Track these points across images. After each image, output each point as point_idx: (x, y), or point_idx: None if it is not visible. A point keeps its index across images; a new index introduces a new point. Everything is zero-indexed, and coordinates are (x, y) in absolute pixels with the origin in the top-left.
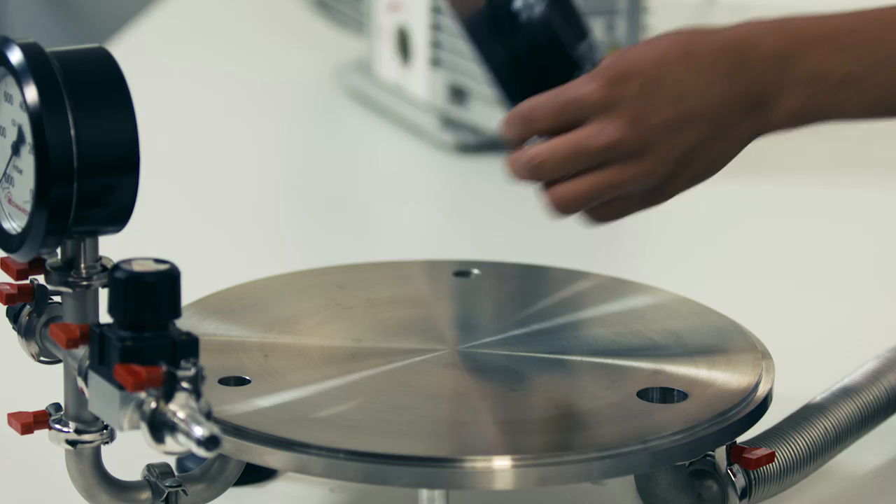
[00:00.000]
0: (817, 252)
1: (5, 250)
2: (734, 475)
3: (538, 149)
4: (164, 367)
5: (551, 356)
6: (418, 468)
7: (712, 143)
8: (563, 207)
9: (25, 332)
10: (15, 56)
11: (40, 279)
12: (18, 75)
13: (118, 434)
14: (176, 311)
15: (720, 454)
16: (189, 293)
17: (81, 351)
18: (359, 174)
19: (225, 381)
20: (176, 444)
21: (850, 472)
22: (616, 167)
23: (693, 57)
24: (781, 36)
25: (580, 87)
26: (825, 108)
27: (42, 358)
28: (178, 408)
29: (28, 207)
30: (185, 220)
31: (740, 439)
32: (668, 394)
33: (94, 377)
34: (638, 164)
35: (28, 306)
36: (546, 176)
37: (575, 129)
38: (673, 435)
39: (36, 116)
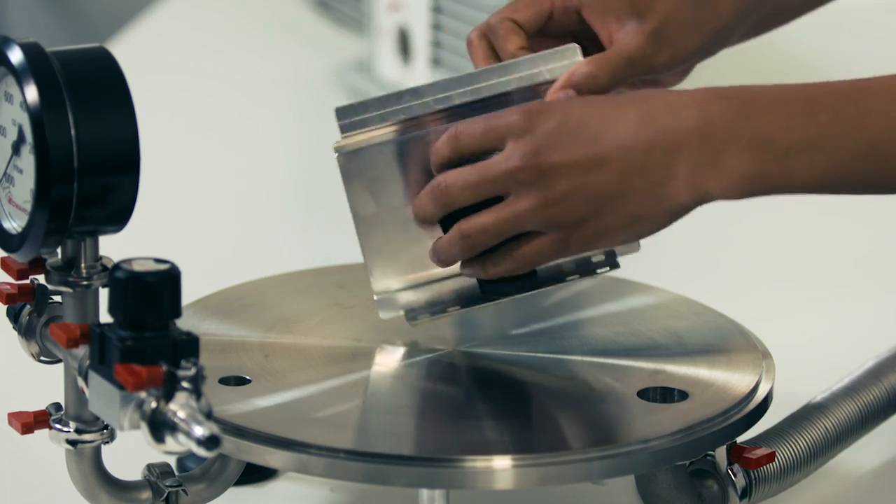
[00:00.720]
0: (818, 251)
1: (6, 250)
2: (734, 475)
3: (444, 174)
4: (164, 367)
5: (551, 356)
6: (418, 468)
7: (624, 197)
8: (473, 240)
9: (26, 332)
10: (15, 56)
11: (41, 279)
12: (19, 75)
13: (118, 434)
14: (176, 311)
15: (720, 454)
16: (189, 293)
17: (82, 351)
18: None
19: (225, 381)
20: (176, 444)
21: (850, 472)
22: (516, 197)
23: (626, 108)
24: (726, 100)
25: (509, 115)
26: (774, 175)
27: (42, 358)
28: (179, 407)
29: (28, 207)
30: (186, 220)
31: (740, 439)
32: (668, 393)
33: (94, 377)
34: (535, 195)
35: (28, 306)
36: (452, 201)
37: None
38: (673, 435)
39: (36, 116)
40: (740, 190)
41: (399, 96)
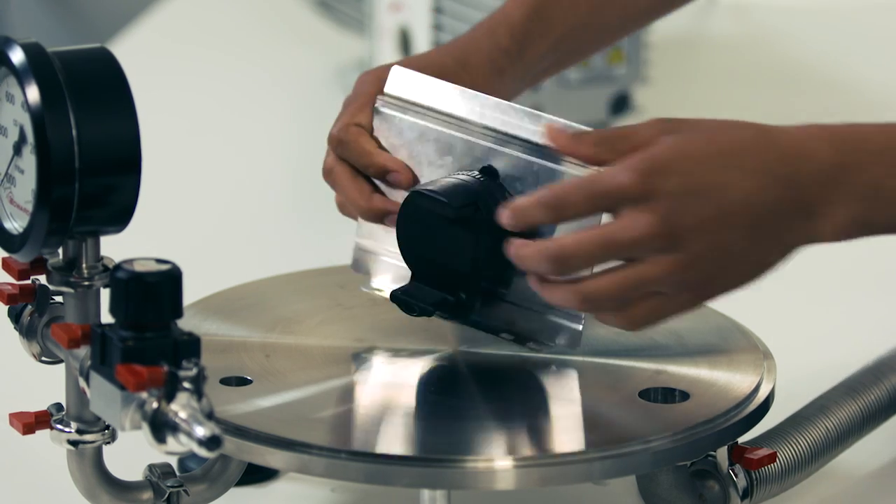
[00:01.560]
0: (819, 251)
1: (7, 250)
2: (736, 475)
3: (564, 241)
4: (165, 368)
5: (552, 356)
6: (420, 468)
7: (752, 249)
8: (593, 303)
9: (27, 332)
10: (17, 56)
11: (42, 279)
12: (20, 75)
13: (120, 434)
14: (177, 311)
15: (722, 454)
16: (191, 293)
17: (83, 351)
18: None
19: (226, 382)
20: (177, 445)
21: (851, 473)
22: (646, 262)
23: (744, 159)
24: (838, 147)
25: (616, 176)
26: (880, 221)
27: (44, 358)
28: (180, 408)
29: (30, 207)
30: (187, 220)
31: (742, 439)
32: (669, 394)
33: (95, 377)
34: (669, 259)
35: (30, 306)
36: (571, 270)
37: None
38: (674, 435)
39: (37, 116)
40: (846, 235)
41: (448, 88)
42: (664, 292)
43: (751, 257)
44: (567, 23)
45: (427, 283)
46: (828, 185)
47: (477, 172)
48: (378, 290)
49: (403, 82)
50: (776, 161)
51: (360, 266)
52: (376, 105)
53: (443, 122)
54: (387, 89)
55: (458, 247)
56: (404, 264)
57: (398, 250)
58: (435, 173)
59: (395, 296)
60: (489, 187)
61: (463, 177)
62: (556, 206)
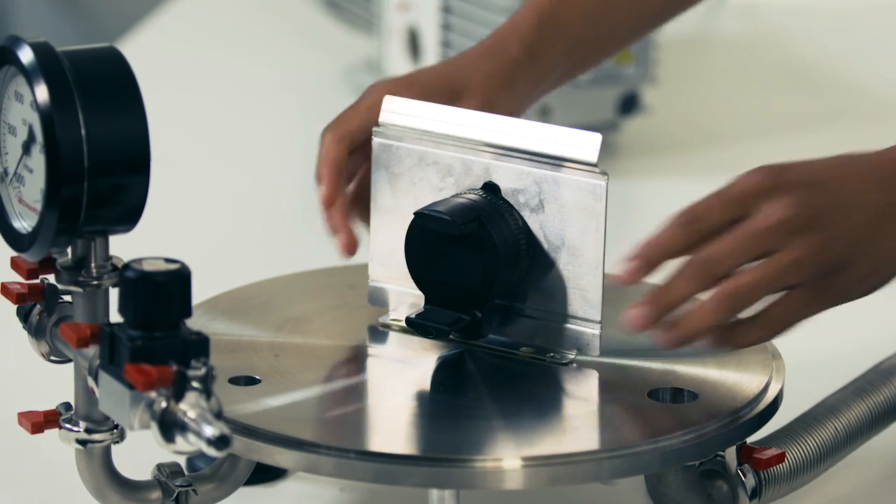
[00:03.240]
0: None
1: (16, 249)
2: (744, 475)
3: (710, 248)
4: (174, 367)
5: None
6: (428, 468)
7: (875, 239)
8: (738, 300)
9: (36, 332)
10: (26, 55)
11: (51, 278)
12: (29, 75)
13: (128, 433)
14: (186, 311)
15: (730, 454)
16: (199, 293)
17: (92, 350)
18: None
19: (235, 381)
20: (186, 444)
21: (860, 473)
22: (784, 250)
23: (855, 166)
24: None
25: (746, 179)
26: None
27: (52, 357)
28: (189, 407)
29: (39, 207)
30: (196, 220)
31: (750, 439)
32: (678, 394)
33: (104, 377)
34: (804, 242)
35: (38, 306)
36: (720, 270)
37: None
38: (683, 435)
39: (46, 116)
40: None
41: (441, 110)
42: (801, 284)
43: (875, 248)
44: (577, 30)
45: (441, 305)
46: None
47: (479, 190)
48: (396, 320)
49: (397, 110)
50: (882, 161)
51: (376, 300)
52: (373, 136)
53: (440, 144)
54: (381, 119)
55: (465, 264)
56: (419, 292)
57: (411, 279)
58: (438, 197)
59: (411, 321)
60: (492, 202)
61: (465, 195)
62: (692, 220)
